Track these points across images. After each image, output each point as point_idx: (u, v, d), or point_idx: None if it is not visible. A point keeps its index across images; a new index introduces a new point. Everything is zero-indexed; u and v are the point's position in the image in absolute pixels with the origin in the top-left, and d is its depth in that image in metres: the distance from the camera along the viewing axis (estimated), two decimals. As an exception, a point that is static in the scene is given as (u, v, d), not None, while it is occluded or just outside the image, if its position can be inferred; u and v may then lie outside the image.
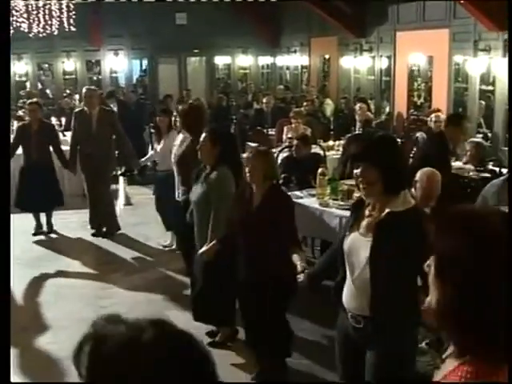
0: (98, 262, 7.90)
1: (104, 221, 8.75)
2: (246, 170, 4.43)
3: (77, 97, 16.04)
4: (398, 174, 3.06)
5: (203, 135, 5.02)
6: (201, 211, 4.97)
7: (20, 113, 14.13)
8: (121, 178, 11.12)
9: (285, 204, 4.40)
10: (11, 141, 8.19)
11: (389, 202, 3.03)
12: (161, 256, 7.92)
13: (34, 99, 9.55)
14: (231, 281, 4.72)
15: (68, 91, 17.33)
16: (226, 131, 7.06)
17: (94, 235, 8.74)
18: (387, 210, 3.01)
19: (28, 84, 18.22)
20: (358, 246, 3.07)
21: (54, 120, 12.59)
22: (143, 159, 8.77)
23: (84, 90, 8.72)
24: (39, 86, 18.61)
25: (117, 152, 8.96)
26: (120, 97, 14.11)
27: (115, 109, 11.06)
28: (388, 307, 3.03)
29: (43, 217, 8.94)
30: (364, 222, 3.11)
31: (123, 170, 9.36)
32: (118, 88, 16.54)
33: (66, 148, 8.96)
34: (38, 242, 8.65)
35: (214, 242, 4.71)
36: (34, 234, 8.81)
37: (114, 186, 9.74)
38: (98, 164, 8.30)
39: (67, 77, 18.46)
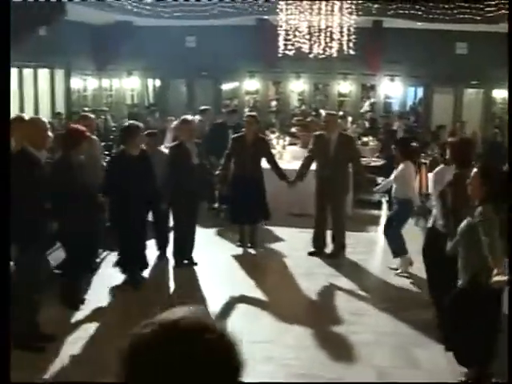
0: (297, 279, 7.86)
1: (336, 242, 8.82)
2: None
3: (350, 119, 16.43)
4: None
5: (474, 170, 5.00)
6: (466, 244, 4.94)
7: (293, 129, 14.92)
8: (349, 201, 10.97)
9: None
10: (227, 151, 8.78)
11: None
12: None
13: (252, 113, 9.91)
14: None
15: (341, 112, 17.76)
16: (498, 168, 6.60)
17: (311, 254, 8.81)
18: None
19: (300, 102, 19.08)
20: None
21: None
22: (378, 187, 8.88)
23: (324, 114, 8.93)
24: (313, 105, 19.38)
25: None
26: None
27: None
28: None
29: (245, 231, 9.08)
30: None
31: (358, 195, 9.35)
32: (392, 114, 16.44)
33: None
34: (236, 257, 8.75)
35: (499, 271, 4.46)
36: (238, 245, 9.07)
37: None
38: (334, 187, 8.43)
39: (341, 98, 18.96)
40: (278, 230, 9.93)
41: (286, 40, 15.32)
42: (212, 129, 11.42)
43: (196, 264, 8.17)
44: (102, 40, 17.56)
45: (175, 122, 11.87)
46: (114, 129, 15.20)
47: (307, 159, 8.89)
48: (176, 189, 7.78)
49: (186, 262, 8.18)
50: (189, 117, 8.54)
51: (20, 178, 5.26)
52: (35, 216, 5.45)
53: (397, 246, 8.07)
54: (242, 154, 8.60)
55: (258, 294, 7.30)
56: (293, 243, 9.38)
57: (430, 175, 7.82)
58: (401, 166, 7.87)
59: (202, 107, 13.93)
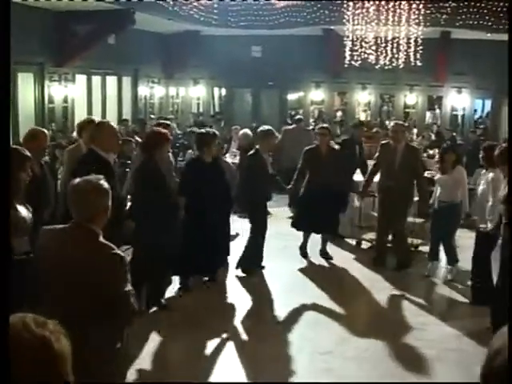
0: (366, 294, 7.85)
1: (398, 254, 8.77)
2: None
3: (415, 130, 16.20)
4: None
5: None
6: None
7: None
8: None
9: None
10: (299, 164, 8.84)
11: None
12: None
13: (325, 125, 9.88)
14: None
15: (406, 124, 17.58)
16: None
17: (375, 265, 8.81)
18: None
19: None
20: None
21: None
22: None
23: (392, 124, 8.95)
24: (379, 116, 19.27)
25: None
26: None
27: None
28: None
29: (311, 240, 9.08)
30: None
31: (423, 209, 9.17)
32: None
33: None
34: (301, 270, 8.73)
35: None
36: (301, 255, 9.12)
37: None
38: (397, 197, 8.39)
39: (407, 110, 18.77)
40: (342, 242, 9.93)
41: (352, 50, 15.41)
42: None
43: (263, 268, 8.34)
44: (169, 49, 18.02)
45: (240, 131, 12.42)
46: (179, 136, 15.45)
47: (375, 167, 8.91)
48: (252, 197, 7.97)
49: (255, 268, 8.32)
50: (266, 127, 8.53)
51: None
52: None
53: (450, 254, 8.20)
54: (315, 166, 8.66)
55: (323, 304, 7.33)
56: (357, 255, 9.43)
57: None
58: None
59: (298, 116, 14.17)
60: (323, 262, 9.04)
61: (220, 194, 7.39)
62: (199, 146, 7.54)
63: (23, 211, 4.44)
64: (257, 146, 8.20)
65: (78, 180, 3.32)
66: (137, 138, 11.00)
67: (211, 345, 6.07)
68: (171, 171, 7.63)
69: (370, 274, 8.53)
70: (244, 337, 6.36)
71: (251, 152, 8.32)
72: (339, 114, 20.05)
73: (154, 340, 6.16)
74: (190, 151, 10.50)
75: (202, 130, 7.99)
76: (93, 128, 6.05)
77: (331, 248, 9.37)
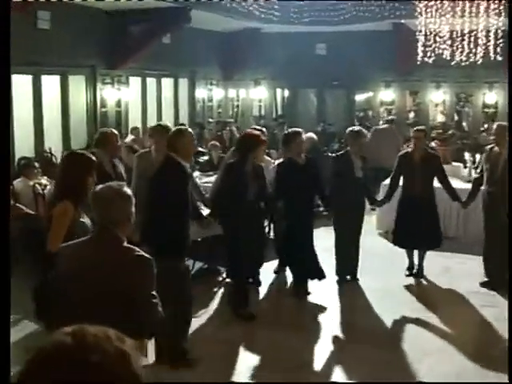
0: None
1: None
2: None
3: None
4: None
5: None
6: None
7: (432, 144, 14.07)
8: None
9: None
10: (392, 171, 8.57)
11: None
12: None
13: (421, 127, 9.37)
14: None
15: (486, 125, 16.59)
16: None
17: (483, 285, 8.13)
18: None
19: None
20: None
21: (467, 155, 12.07)
22: None
23: (494, 127, 8.43)
24: (455, 117, 18.29)
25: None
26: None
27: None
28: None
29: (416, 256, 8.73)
30: None
31: None
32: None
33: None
34: (406, 284, 8.45)
35: None
36: (407, 275, 8.66)
37: None
38: (501, 206, 7.86)
39: (487, 110, 17.68)
40: (438, 257, 9.12)
41: (425, 46, 14.75)
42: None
43: (358, 280, 8.30)
44: (228, 48, 17.61)
45: (305, 135, 11.99)
46: None
47: (480, 175, 8.45)
48: (338, 201, 7.94)
49: (348, 278, 8.30)
50: (357, 128, 8.55)
51: (174, 186, 5.63)
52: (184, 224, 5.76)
53: None
54: (410, 172, 8.33)
55: (426, 323, 7.06)
56: (458, 270, 8.86)
57: None
58: None
59: (390, 117, 13.69)
60: (424, 279, 8.63)
61: (312, 196, 7.82)
62: (285, 146, 7.83)
63: (87, 221, 4.57)
64: (347, 148, 8.21)
65: (100, 187, 3.47)
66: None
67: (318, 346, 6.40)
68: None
69: (478, 293, 7.92)
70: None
71: (339, 153, 8.46)
72: (411, 115, 19.24)
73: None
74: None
75: (287, 131, 8.25)
76: (172, 134, 6.03)
77: (430, 263, 8.80)
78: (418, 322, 7.08)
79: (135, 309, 3.24)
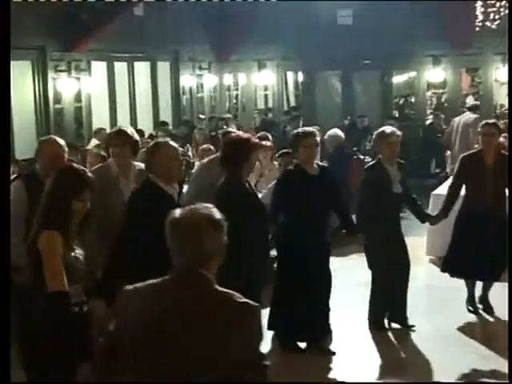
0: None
1: None
2: None
3: None
4: None
5: None
6: None
7: (501, 139, 14.10)
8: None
9: None
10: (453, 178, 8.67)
11: None
12: None
13: (492, 120, 9.39)
14: None
15: None
16: None
17: None
18: None
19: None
20: None
21: None
22: None
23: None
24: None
25: None
26: None
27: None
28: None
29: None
30: None
31: None
32: None
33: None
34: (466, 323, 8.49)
35: None
36: (469, 310, 8.77)
37: None
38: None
39: None
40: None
41: (485, 7, 14.82)
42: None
43: (412, 328, 8.14)
44: (222, 19, 17.55)
45: (328, 132, 12.34)
46: None
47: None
48: (371, 227, 7.91)
49: (394, 324, 8.27)
50: (388, 129, 8.49)
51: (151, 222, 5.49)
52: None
53: None
54: (477, 179, 8.35)
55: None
56: None
57: None
58: None
59: (473, 102, 13.75)
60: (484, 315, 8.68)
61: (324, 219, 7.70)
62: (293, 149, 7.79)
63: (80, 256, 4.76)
64: (379, 156, 8.19)
65: (180, 211, 3.40)
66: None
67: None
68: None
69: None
70: None
71: (370, 163, 8.52)
72: (470, 99, 19.32)
73: None
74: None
75: (296, 131, 8.15)
76: (147, 151, 6.18)
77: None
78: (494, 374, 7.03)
79: (238, 374, 3.24)
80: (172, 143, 6.16)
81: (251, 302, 3.35)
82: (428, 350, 7.63)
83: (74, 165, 5.50)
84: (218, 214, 3.42)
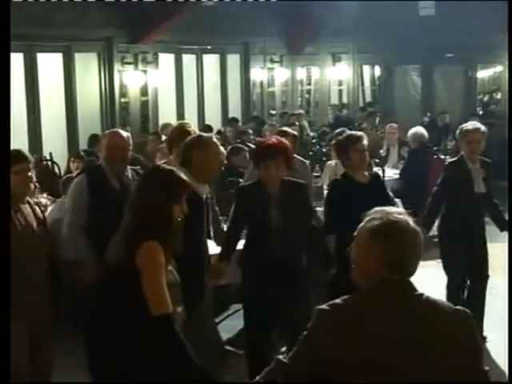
0: None
1: None
2: None
3: None
4: None
5: None
6: None
7: None
8: None
9: None
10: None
11: None
12: None
13: None
14: None
15: None
16: None
17: None
18: None
19: None
20: None
21: None
22: None
23: None
24: None
25: None
26: None
27: None
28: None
29: None
30: None
31: None
32: None
33: None
34: None
35: None
36: None
37: None
38: None
39: None
40: None
41: None
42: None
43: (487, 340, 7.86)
44: (295, 10, 17.44)
45: (410, 131, 12.33)
46: (313, 140, 15.24)
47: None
48: (447, 228, 7.95)
49: None
50: (471, 124, 8.42)
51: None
52: None
53: None
54: None
55: None
56: None
57: None
58: None
59: None
60: None
61: None
62: (338, 155, 7.73)
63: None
64: (461, 153, 8.14)
65: (388, 220, 3.28)
66: (250, 145, 11.03)
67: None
68: None
69: None
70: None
71: (452, 159, 8.51)
72: None
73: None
74: (329, 162, 10.88)
75: (349, 133, 7.95)
76: (186, 144, 6.06)
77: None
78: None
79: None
80: (215, 140, 6.15)
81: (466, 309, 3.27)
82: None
83: (168, 166, 5.02)
84: (412, 223, 3.31)
